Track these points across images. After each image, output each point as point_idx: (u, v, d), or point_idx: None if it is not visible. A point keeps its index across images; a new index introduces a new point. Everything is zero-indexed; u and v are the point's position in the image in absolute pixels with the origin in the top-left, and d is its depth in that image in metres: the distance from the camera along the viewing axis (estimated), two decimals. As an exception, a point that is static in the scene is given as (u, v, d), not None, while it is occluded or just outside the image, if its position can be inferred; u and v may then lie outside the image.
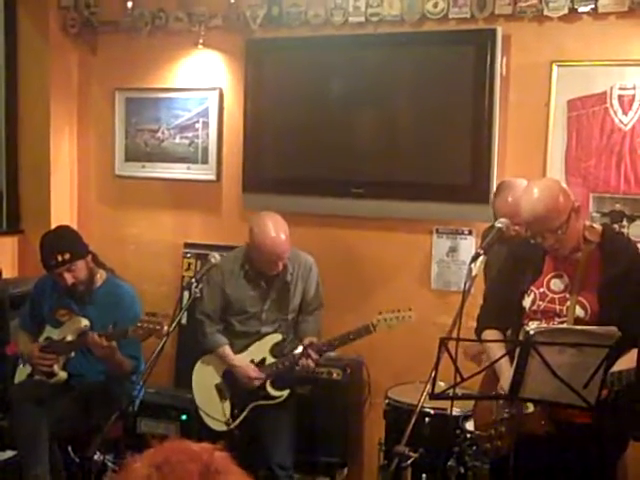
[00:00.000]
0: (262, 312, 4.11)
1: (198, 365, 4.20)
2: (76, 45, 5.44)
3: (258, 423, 4.04)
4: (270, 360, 4.07)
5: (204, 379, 4.15)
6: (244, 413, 4.05)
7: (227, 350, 4.11)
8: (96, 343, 3.77)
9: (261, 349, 4.09)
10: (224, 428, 4.05)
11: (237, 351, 4.10)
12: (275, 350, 4.09)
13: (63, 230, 4.22)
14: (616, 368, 2.81)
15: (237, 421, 4.05)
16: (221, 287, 4.12)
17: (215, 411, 4.09)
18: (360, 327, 3.90)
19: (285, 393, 4.06)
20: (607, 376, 2.75)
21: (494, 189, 4.14)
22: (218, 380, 4.14)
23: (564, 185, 3.18)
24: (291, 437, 4.11)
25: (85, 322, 3.95)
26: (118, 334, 3.82)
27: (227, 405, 4.08)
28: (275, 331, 4.13)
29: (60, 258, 3.91)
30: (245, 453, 3.65)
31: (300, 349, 4.02)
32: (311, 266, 4.18)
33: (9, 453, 4.35)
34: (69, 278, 3.94)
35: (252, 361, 4.06)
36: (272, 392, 4.05)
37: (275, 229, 3.95)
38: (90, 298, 4.06)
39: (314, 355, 3.94)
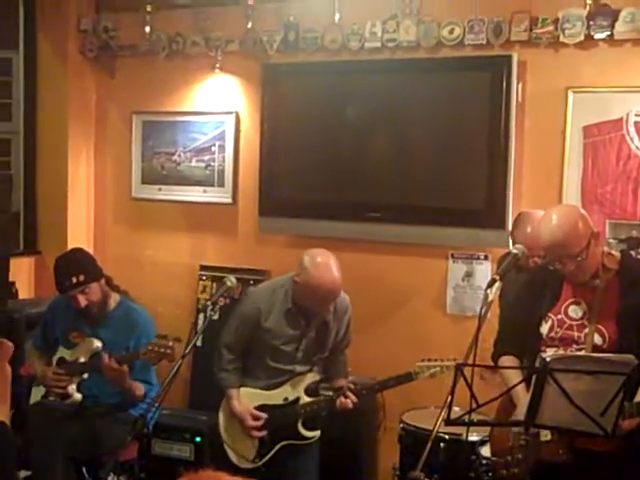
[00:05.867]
0: (297, 351, 3.92)
1: (225, 401, 4.00)
2: (94, 68, 5.50)
3: (284, 462, 3.90)
4: (305, 399, 3.91)
5: (231, 414, 3.96)
6: (272, 452, 3.89)
7: (234, 393, 3.93)
8: (106, 365, 3.78)
9: (296, 388, 3.92)
10: (249, 466, 3.88)
11: (270, 388, 3.93)
12: (310, 390, 3.93)
13: (77, 252, 4.23)
14: (638, 399, 2.79)
15: (264, 459, 3.88)
16: (252, 325, 3.89)
17: (241, 447, 3.93)
18: (401, 375, 3.80)
19: (317, 433, 3.94)
20: (626, 406, 2.73)
21: (510, 214, 4.16)
22: None
23: (583, 211, 3.18)
24: (316, 477, 4.00)
25: (97, 343, 3.95)
26: (130, 357, 3.83)
27: (255, 442, 3.90)
28: (309, 370, 3.96)
29: (74, 280, 3.92)
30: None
31: (334, 388, 3.93)
32: (347, 306, 4.00)
33: (23, 473, 4.36)
34: (82, 300, 3.95)
35: (286, 399, 3.90)
36: (304, 432, 3.90)
37: (331, 270, 3.73)
38: (104, 321, 4.06)
39: (354, 398, 3.82)
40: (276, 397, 3.94)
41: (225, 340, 3.98)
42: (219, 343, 4.01)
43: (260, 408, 3.93)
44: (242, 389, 3.98)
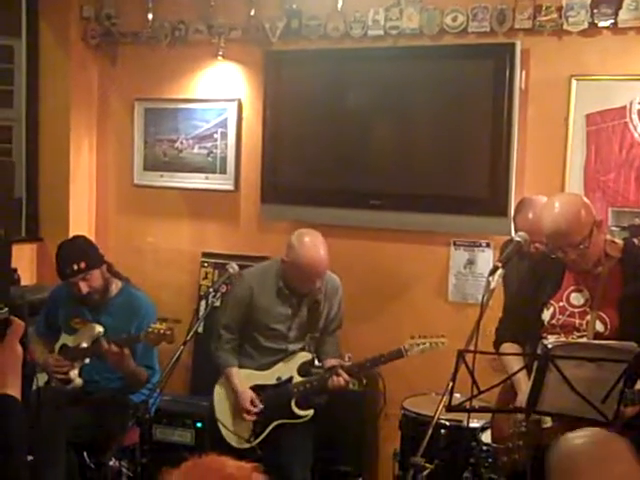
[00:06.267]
0: (290, 330, 4.02)
1: (221, 379, 4.08)
2: (96, 56, 5.49)
3: (278, 442, 3.95)
4: (297, 379, 3.98)
5: (227, 394, 4.04)
6: (266, 431, 3.95)
7: (233, 372, 4.01)
8: (106, 350, 3.79)
9: (289, 367, 4.00)
10: (245, 445, 3.94)
11: (264, 368, 4.01)
12: (302, 369, 4.00)
13: (79, 239, 4.25)
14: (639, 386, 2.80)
15: (259, 439, 3.95)
16: (245, 303, 4.01)
17: (236, 427, 3.99)
18: (392, 351, 3.85)
19: (310, 412, 3.97)
20: (627, 393, 2.74)
21: (513, 202, 4.15)
22: None
23: (585, 199, 3.17)
24: (311, 456, 4.04)
25: (99, 328, 3.97)
26: (130, 340, 3.85)
27: (250, 422, 3.97)
28: (302, 349, 4.04)
29: (76, 267, 3.94)
30: (266, 471, 3.60)
31: (325, 368, 3.97)
32: (338, 287, 4.10)
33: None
34: (84, 287, 3.97)
35: (279, 378, 3.98)
36: (297, 411, 3.96)
37: (316, 247, 3.86)
38: (105, 307, 4.08)
39: (346, 376, 3.87)
40: (269, 377, 4.01)
41: (223, 321, 4.07)
42: (217, 325, 4.10)
43: (254, 388, 3.99)
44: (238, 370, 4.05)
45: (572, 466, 1.92)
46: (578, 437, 2.01)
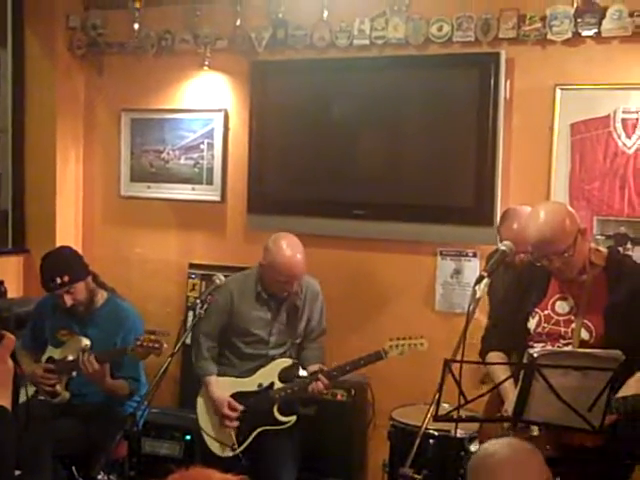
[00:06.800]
0: (270, 335, 4.06)
1: (203, 390, 4.10)
2: (83, 66, 5.49)
3: (263, 447, 3.98)
4: (278, 385, 3.99)
5: (207, 404, 4.06)
6: (250, 438, 3.97)
7: (212, 380, 4.03)
8: (86, 365, 3.77)
9: (270, 373, 4.02)
10: (229, 454, 3.96)
11: (245, 375, 4.04)
12: (283, 375, 4.02)
13: (63, 251, 4.23)
14: (621, 393, 2.80)
15: (243, 446, 3.96)
16: (225, 309, 4.04)
17: (220, 435, 4.01)
18: (371, 353, 3.88)
19: (293, 419, 3.99)
20: (612, 401, 2.75)
21: (498, 211, 4.17)
22: None
23: (570, 208, 3.19)
24: (295, 461, 4.06)
25: (86, 341, 3.94)
26: (117, 353, 3.84)
27: (232, 430, 3.98)
28: (283, 354, 4.07)
29: (59, 281, 3.92)
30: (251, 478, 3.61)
31: (308, 374, 3.98)
32: (318, 292, 4.15)
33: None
34: (68, 300, 3.96)
35: (260, 385, 4.01)
36: (279, 417, 3.98)
37: (292, 249, 3.92)
38: (91, 318, 4.07)
39: (325, 380, 3.90)
40: (250, 384, 4.03)
41: (202, 329, 4.08)
42: (196, 332, 4.10)
43: (235, 395, 4.01)
44: (218, 378, 4.06)
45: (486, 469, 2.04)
46: (494, 444, 2.14)
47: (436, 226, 4.42)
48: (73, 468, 4.00)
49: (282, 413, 3.99)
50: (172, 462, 4.54)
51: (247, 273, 4.19)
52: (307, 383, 3.94)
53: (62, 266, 3.99)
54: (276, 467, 3.99)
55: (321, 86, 4.73)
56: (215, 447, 4.01)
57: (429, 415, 2.96)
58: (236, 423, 3.96)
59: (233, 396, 4.00)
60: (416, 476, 2.92)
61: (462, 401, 2.80)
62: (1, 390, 1.84)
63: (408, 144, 4.62)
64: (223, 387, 4.04)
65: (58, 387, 3.96)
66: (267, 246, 3.99)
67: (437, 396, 2.85)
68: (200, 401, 4.10)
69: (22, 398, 4.11)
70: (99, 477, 3.77)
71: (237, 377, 4.06)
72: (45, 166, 5.43)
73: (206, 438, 4.04)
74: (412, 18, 4.55)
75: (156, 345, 3.62)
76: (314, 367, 4.02)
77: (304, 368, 4.08)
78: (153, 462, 4.46)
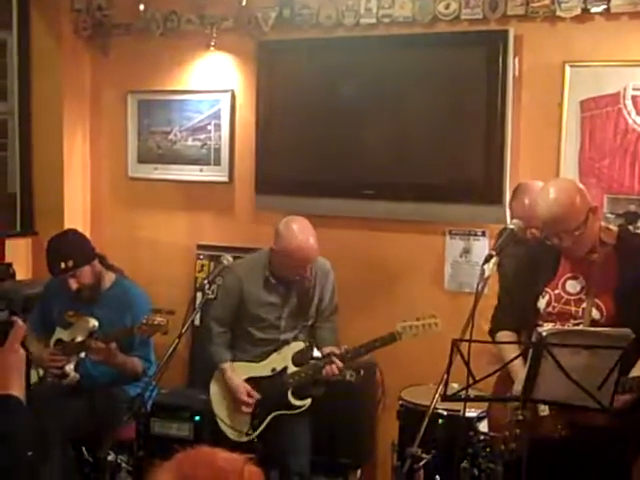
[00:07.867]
0: (281, 319, 4.01)
1: (217, 374, 4.06)
2: (88, 47, 5.46)
3: (277, 432, 3.95)
4: (292, 369, 3.96)
5: (223, 390, 4.03)
6: (264, 423, 3.94)
7: (227, 366, 4.00)
8: (92, 349, 3.78)
9: (283, 358, 3.98)
10: (244, 439, 3.93)
11: (258, 359, 4.00)
12: (297, 358, 3.98)
13: (68, 236, 4.20)
14: (634, 373, 2.79)
15: (257, 431, 3.94)
16: (235, 294, 4.00)
17: (234, 421, 3.98)
18: (385, 335, 3.84)
19: (307, 402, 3.96)
20: (623, 380, 2.73)
21: (508, 190, 4.14)
22: None
23: (580, 185, 3.16)
24: (309, 445, 4.04)
25: (94, 322, 3.95)
26: (123, 333, 3.84)
27: (247, 416, 3.96)
28: (295, 338, 4.03)
29: (64, 265, 3.92)
30: (264, 462, 3.61)
31: (321, 356, 3.96)
32: (329, 271, 4.09)
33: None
34: (73, 284, 3.96)
35: (274, 369, 3.97)
36: (294, 402, 3.95)
37: (304, 233, 3.85)
38: (99, 300, 4.07)
39: (339, 363, 3.87)
40: (264, 368, 4.00)
41: (212, 314, 4.08)
42: (207, 318, 4.11)
43: (249, 380, 3.99)
44: (233, 364, 4.04)
45: None
46: None
47: (445, 205, 4.39)
48: (83, 449, 4.02)
49: (296, 397, 3.95)
50: (181, 443, 4.53)
51: (254, 257, 4.13)
52: (321, 366, 3.90)
53: (67, 251, 3.98)
54: (289, 453, 3.97)
55: (328, 65, 4.69)
56: (230, 433, 3.98)
57: (437, 395, 2.95)
58: (252, 408, 3.94)
59: (247, 381, 3.97)
60: (425, 455, 2.91)
61: (471, 381, 2.79)
62: (14, 379, 1.83)
63: (417, 123, 4.57)
64: (236, 372, 4.01)
65: (67, 368, 3.96)
66: (278, 231, 3.91)
67: (445, 376, 2.84)
68: (214, 388, 4.06)
69: (33, 380, 4.15)
70: (109, 458, 3.79)
71: (250, 362, 4.02)
72: (52, 148, 5.41)
73: (221, 424, 4.00)
74: (419, -4, 4.51)
75: (161, 323, 3.63)
76: (328, 349, 3.98)
77: (319, 348, 4.05)
78: (163, 443, 4.48)
